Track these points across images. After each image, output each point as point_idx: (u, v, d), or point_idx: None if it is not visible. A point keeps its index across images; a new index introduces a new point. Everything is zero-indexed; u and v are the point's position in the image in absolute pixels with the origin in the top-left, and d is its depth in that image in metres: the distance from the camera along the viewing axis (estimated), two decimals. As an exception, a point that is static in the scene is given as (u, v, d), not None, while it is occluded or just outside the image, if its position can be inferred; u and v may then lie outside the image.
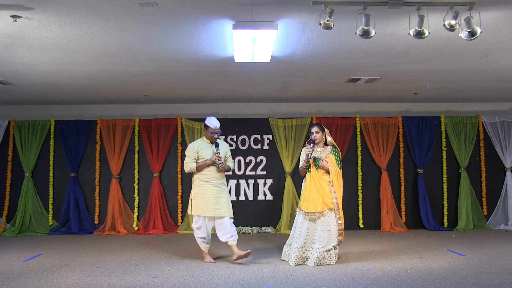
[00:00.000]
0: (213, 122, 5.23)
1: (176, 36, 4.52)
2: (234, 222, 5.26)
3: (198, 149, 5.24)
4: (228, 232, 5.12)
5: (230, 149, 5.68)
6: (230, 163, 5.44)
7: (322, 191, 5.02)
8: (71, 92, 7.10)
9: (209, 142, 5.30)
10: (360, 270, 4.77)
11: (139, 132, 7.97)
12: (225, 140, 7.71)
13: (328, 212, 4.99)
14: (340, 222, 5.04)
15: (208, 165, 5.18)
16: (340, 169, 5.18)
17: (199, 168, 5.19)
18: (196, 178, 5.27)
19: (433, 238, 6.89)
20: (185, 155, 5.36)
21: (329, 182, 5.06)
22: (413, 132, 7.99)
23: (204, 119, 5.33)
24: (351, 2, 3.59)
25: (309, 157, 5.09)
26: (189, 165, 5.24)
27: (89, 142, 7.97)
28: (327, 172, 5.09)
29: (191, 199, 5.28)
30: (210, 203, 5.10)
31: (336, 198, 5.03)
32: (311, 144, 5.14)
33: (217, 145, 5.24)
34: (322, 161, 5.09)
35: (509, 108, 8.40)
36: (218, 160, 5.14)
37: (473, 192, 7.93)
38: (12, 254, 5.87)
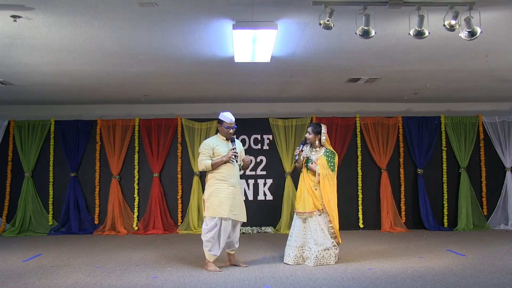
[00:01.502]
0: (228, 117, 4.89)
1: (176, 36, 4.52)
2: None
3: (214, 146, 4.87)
4: (236, 237, 4.94)
5: None
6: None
7: (312, 192, 5.02)
8: (71, 92, 7.10)
9: (225, 139, 4.94)
10: (360, 270, 4.77)
11: (139, 132, 7.97)
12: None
13: (318, 213, 4.99)
14: (331, 225, 4.98)
15: (225, 163, 4.84)
16: (333, 171, 5.06)
17: (215, 166, 4.81)
18: (210, 177, 4.89)
19: (433, 238, 6.89)
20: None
21: (316, 183, 5.01)
22: (413, 132, 7.99)
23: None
24: (351, 2, 3.59)
25: (295, 158, 5.12)
26: (203, 162, 4.84)
27: (89, 142, 7.97)
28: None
29: (203, 200, 4.92)
30: (225, 204, 4.75)
31: (322, 201, 4.98)
32: (301, 146, 5.14)
33: (233, 141, 4.90)
34: (312, 163, 5.07)
35: (509, 108, 8.40)
36: (235, 156, 4.81)
37: (473, 192, 7.92)
38: (12, 254, 5.86)
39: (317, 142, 5.14)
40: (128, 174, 7.94)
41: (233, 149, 4.84)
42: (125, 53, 5.05)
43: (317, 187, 4.99)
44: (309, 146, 5.20)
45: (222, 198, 4.78)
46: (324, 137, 5.12)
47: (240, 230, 5.07)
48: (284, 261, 5.07)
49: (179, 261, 5.30)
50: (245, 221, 5.03)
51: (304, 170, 5.13)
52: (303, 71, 5.94)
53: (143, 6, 3.70)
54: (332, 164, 5.07)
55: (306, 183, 5.07)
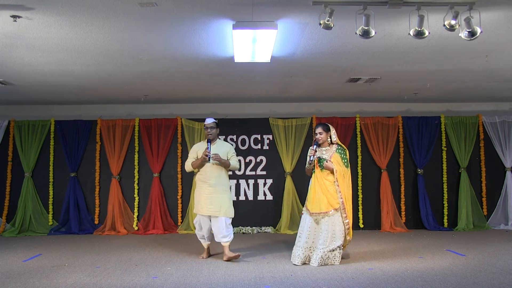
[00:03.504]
0: (206, 119, 5.45)
1: (176, 36, 4.52)
2: (233, 223, 5.27)
3: (198, 149, 5.44)
4: (220, 232, 5.21)
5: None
6: (233, 161, 5.43)
7: (326, 191, 5.00)
8: (71, 92, 7.10)
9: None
10: (360, 270, 4.77)
11: (139, 132, 7.97)
12: (225, 140, 7.70)
13: (334, 212, 4.97)
14: (347, 221, 5.00)
15: (203, 164, 5.30)
16: (347, 167, 5.12)
17: (194, 166, 5.37)
18: (196, 179, 5.48)
19: (433, 238, 6.89)
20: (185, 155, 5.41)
21: (334, 182, 5.03)
22: (413, 132, 7.99)
23: (204, 119, 5.43)
24: (351, 2, 3.59)
25: (311, 159, 5.08)
26: (186, 164, 5.49)
27: (89, 142, 7.98)
28: (332, 172, 5.06)
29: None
30: (203, 202, 5.26)
31: (341, 198, 4.98)
32: (314, 146, 5.13)
33: (208, 142, 5.31)
34: (327, 161, 5.07)
35: (509, 108, 8.40)
36: (206, 155, 5.20)
37: (473, 192, 7.92)
38: (12, 254, 5.87)
39: (328, 140, 5.17)
40: (128, 174, 7.94)
41: (206, 148, 5.26)
42: (125, 53, 5.05)
43: (338, 183, 5.00)
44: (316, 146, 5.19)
45: (200, 197, 5.32)
46: (334, 137, 5.19)
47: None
48: (292, 262, 5.06)
49: (179, 261, 5.30)
50: (228, 216, 5.26)
51: (317, 170, 5.11)
52: (303, 71, 5.94)
53: (143, 6, 3.70)
54: (345, 160, 5.12)
55: (321, 183, 5.05)
